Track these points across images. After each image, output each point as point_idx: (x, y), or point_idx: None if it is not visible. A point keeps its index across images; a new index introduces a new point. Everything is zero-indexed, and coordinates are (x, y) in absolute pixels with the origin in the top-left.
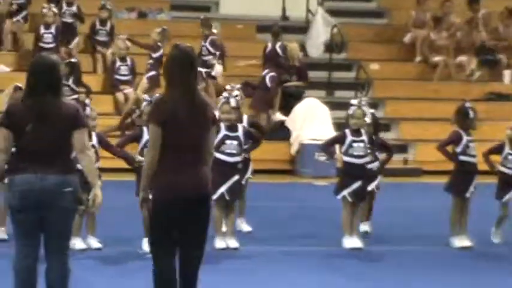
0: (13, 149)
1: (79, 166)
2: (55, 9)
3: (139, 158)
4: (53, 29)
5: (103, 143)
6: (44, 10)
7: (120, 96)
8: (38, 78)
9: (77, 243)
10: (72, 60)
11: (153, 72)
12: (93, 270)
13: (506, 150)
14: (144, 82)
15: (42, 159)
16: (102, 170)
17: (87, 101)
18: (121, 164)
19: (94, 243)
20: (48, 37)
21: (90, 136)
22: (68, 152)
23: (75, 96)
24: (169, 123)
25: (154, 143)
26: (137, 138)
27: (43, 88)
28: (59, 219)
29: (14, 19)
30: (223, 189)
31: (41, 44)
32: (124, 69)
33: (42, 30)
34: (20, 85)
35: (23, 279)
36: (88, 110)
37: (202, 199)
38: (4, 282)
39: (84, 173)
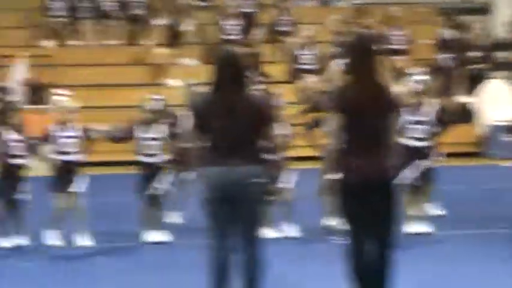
0: (203, 143)
1: (267, 156)
2: (234, 2)
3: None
4: (236, 21)
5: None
6: (228, 2)
7: (302, 84)
8: (223, 71)
9: (269, 232)
10: (254, 50)
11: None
12: (287, 257)
13: None
14: (334, 69)
15: (231, 152)
16: (290, 158)
17: (272, 91)
18: (309, 151)
19: (291, 231)
20: (231, 29)
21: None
22: (256, 143)
23: (259, 87)
24: (348, 110)
25: (336, 130)
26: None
27: (229, 81)
28: (250, 210)
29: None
30: (410, 173)
31: (225, 36)
32: (306, 58)
33: (225, 22)
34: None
35: (218, 270)
36: (274, 100)
37: (383, 184)
38: (200, 274)
39: (272, 163)
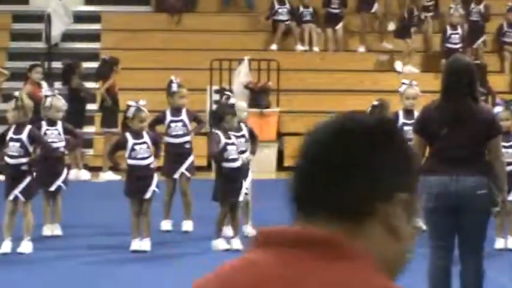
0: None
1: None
2: (461, 10)
3: None
4: (459, 29)
5: None
6: (451, 10)
7: None
8: (454, 80)
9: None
10: (479, 60)
11: None
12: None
13: None
14: None
15: (458, 162)
16: None
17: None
18: None
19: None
20: (455, 37)
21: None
22: (483, 155)
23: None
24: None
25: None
26: None
27: (459, 91)
28: (473, 221)
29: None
30: None
31: (448, 45)
32: None
33: (449, 30)
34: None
35: (437, 280)
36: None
37: None
38: (418, 283)
39: (497, 176)
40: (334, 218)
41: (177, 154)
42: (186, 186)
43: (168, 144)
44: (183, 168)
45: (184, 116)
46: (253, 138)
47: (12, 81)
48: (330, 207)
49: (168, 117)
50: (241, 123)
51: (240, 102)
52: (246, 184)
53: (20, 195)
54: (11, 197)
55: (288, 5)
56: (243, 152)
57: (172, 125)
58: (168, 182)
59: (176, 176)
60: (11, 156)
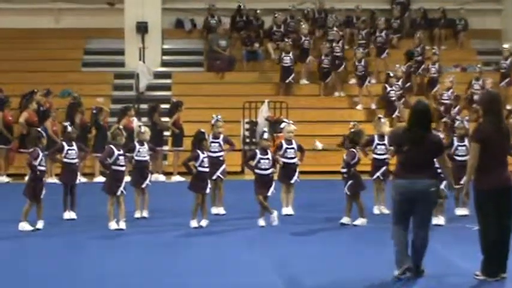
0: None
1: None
2: (403, 68)
3: None
4: (400, 82)
5: None
6: (396, 67)
7: None
8: (417, 116)
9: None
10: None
11: None
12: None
13: None
14: None
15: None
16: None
17: None
18: None
19: (439, 220)
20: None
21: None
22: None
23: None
24: (487, 140)
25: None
26: None
27: (418, 122)
28: (424, 208)
29: None
30: None
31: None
32: None
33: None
34: None
35: (400, 244)
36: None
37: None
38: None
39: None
40: None
41: (214, 163)
42: (220, 185)
43: (208, 157)
44: (218, 173)
45: (220, 140)
46: (301, 150)
47: (113, 117)
48: None
49: (210, 140)
50: (292, 139)
51: (291, 126)
52: (292, 180)
53: (124, 190)
54: (118, 192)
55: (291, 55)
56: (293, 158)
57: (213, 145)
58: (211, 182)
59: (214, 177)
60: (121, 165)
